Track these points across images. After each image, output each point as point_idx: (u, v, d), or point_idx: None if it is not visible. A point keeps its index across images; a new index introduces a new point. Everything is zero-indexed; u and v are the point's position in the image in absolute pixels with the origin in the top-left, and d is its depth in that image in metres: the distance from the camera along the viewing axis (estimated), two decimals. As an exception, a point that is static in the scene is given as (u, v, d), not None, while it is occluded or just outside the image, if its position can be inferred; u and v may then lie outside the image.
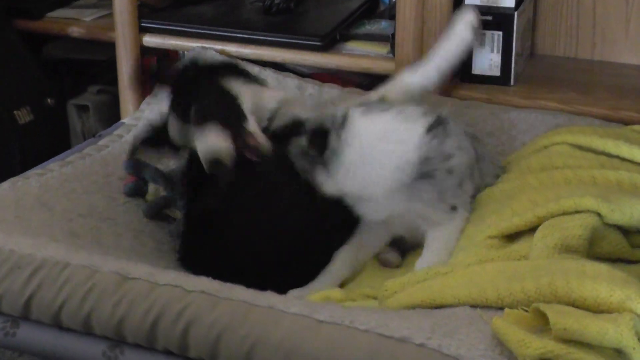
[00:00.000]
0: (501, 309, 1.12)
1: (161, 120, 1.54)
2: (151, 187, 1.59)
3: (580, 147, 1.49)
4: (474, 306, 1.14)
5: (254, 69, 1.83)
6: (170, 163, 1.64)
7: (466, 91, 1.85)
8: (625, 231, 1.26)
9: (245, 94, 1.48)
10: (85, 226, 1.48)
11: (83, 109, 2.24)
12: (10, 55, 2.15)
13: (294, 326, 1.12)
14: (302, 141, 1.39)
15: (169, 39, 2.03)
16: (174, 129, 1.49)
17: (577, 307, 1.07)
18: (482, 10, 1.84)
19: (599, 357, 1.00)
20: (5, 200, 1.46)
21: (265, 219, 1.41)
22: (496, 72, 1.87)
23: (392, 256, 1.49)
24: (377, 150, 1.37)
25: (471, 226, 1.41)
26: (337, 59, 1.90)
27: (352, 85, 1.92)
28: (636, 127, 1.58)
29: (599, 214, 1.23)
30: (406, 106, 1.44)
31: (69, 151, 1.71)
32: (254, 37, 1.96)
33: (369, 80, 1.93)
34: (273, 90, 1.60)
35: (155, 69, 1.94)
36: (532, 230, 1.27)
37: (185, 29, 2.01)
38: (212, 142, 1.40)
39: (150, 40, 2.04)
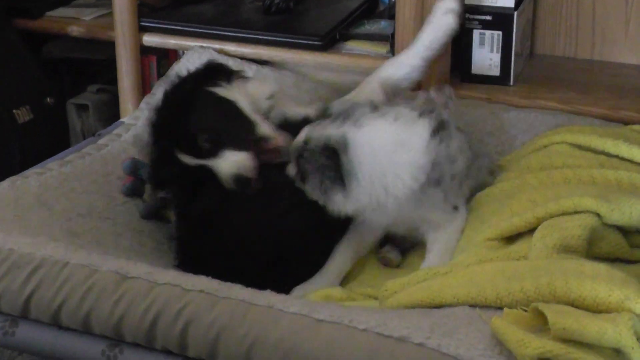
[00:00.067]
0: (500, 308, 1.12)
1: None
2: (148, 188, 1.58)
3: (580, 147, 1.49)
4: (473, 306, 1.14)
5: (236, 63, 1.84)
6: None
7: (465, 91, 1.85)
8: (624, 231, 1.26)
9: (239, 97, 1.48)
10: (84, 226, 1.48)
11: (82, 108, 2.24)
12: (9, 54, 2.15)
13: (293, 325, 1.12)
14: (307, 166, 1.38)
15: (169, 38, 2.02)
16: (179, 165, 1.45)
17: (576, 306, 1.07)
18: (482, 10, 1.84)
19: (597, 357, 1.00)
20: (5, 200, 1.46)
21: (264, 219, 1.41)
22: (496, 71, 1.87)
23: (393, 255, 1.49)
24: (390, 162, 1.36)
25: (471, 227, 1.41)
26: (336, 58, 1.90)
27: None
28: (636, 126, 1.58)
29: (598, 214, 1.23)
30: (397, 107, 1.42)
31: (68, 150, 1.70)
32: (254, 36, 1.96)
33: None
34: (258, 84, 1.58)
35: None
36: (531, 230, 1.27)
37: (184, 28, 2.01)
38: (232, 164, 1.40)
39: (149, 39, 2.04)
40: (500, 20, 1.84)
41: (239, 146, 1.41)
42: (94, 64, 2.30)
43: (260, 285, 1.21)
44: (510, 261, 1.24)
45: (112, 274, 1.22)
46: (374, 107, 1.41)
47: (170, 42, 2.03)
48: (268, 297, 1.17)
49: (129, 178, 1.59)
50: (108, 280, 1.21)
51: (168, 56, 2.15)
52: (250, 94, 1.50)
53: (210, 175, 1.42)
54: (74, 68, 2.32)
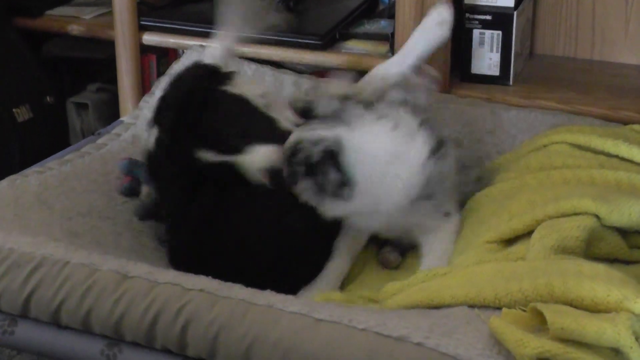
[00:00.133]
0: (499, 309, 1.12)
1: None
2: (145, 188, 1.58)
3: (580, 147, 1.48)
4: (472, 306, 1.14)
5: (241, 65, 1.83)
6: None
7: (465, 90, 1.85)
8: (623, 232, 1.26)
9: (252, 95, 1.47)
10: (84, 225, 1.48)
11: (82, 107, 2.25)
12: (9, 53, 2.15)
13: (293, 325, 1.12)
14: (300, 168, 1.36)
15: (169, 37, 2.03)
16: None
17: (575, 306, 1.07)
18: (482, 9, 1.84)
19: (596, 357, 1.00)
20: (5, 199, 1.46)
21: (265, 219, 1.41)
22: (495, 71, 1.87)
23: (393, 256, 1.49)
24: (383, 173, 1.34)
25: (469, 228, 1.41)
26: (336, 58, 1.90)
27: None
28: (636, 126, 1.58)
29: (597, 216, 1.23)
30: (396, 111, 1.41)
31: (67, 149, 1.70)
32: (254, 35, 1.96)
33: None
34: (250, 83, 1.57)
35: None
36: (530, 232, 1.27)
37: (184, 27, 2.01)
38: (263, 158, 1.37)
39: (149, 38, 2.04)
40: (500, 20, 1.84)
41: (265, 141, 1.39)
42: (93, 63, 2.30)
43: (261, 287, 1.20)
44: (509, 262, 1.24)
45: (113, 273, 1.22)
46: (368, 106, 1.40)
47: (170, 41, 2.03)
48: (268, 297, 1.17)
49: (127, 178, 1.59)
50: (108, 280, 1.21)
51: (168, 55, 2.15)
52: (244, 92, 1.49)
53: (229, 173, 1.40)
54: (74, 67, 2.32)
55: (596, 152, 1.47)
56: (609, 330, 1.00)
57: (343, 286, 1.44)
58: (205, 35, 1.98)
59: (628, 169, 1.40)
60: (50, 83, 2.20)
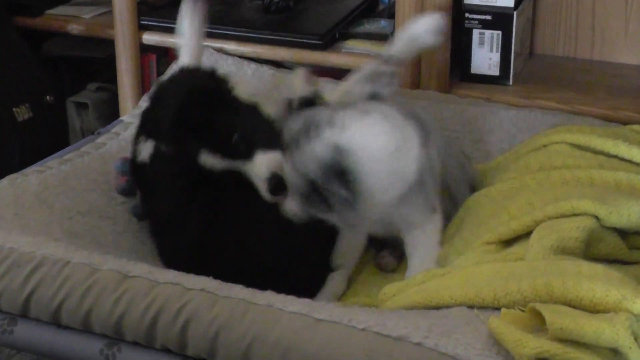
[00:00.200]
0: (498, 309, 1.12)
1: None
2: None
3: (579, 147, 1.48)
4: (470, 307, 1.14)
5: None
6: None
7: (465, 90, 1.85)
8: (622, 233, 1.26)
9: (258, 100, 1.45)
10: (85, 225, 1.48)
11: (82, 106, 2.25)
12: (9, 52, 2.15)
13: (292, 324, 1.12)
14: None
15: (168, 37, 2.02)
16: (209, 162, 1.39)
17: (574, 307, 1.07)
18: (482, 9, 1.84)
19: (595, 357, 1.00)
20: (5, 198, 1.46)
21: (265, 221, 1.40)
22: (495, 71, 1.87)
23: (389, 260, 1.49)
24: (386, 168, 1.32)
25: (468, 229, 1.40)
26: (336, 57, 1.90)
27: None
28: (635, 126, 1.58)
29: (596, 217, 1.23)
30: (379, 107, 1.40)
31: (67, 149, 1.70)
32: (253, 35, 1.96)
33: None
34: (240, 83, 1.53)
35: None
36: (529, 234, 1.26)
37: (184, 27, 2.01)
38: (268, 163, 1.35)
39: (149, 38, 2.04)
40: (499, 19, 1.84)
41: (271, 147, 1.36)
42: (93, 62, 2.30)
43: (262, 288, 1.20)
44: (507, 262, 1.24)
45: (113, 273, 1.22)
46: (356, 106, 1.39)
47: (170, 40, 2.03)
48: (268, 297, 1.17)
49: (123, 178, 1.58)
50: (109, 279, 1.21)
51: (168, 55, 2.15)
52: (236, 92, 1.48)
53: (233, 178, 1.37)
54: (74, 66, 2.32)
55: (596, 152, 1.47)
56: (607, 331, 1.00)
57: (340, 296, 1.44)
58: (206, 35, 1.98)
59: (627, 170, 1.40)
60: (50, 82, 2.21)
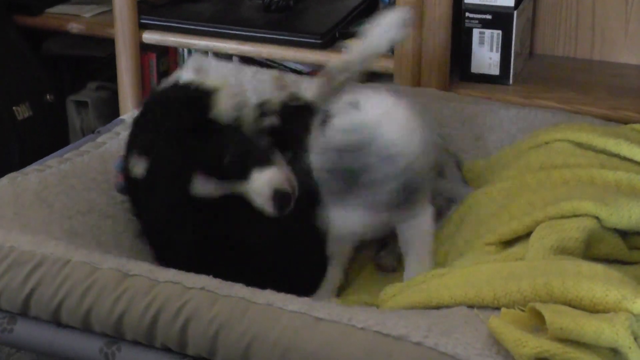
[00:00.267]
0: (498, 309, 1.12)
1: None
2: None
3: (581, 145, 1.48)
4: (470, 306, 1.14)
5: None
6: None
7: (465, 90, 1.85)
8: (622, 233, 1.26)
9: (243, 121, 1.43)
10: (85, 224, 1.48)
11: (82, 105, 2.25)
12: (9, 51, 2.15)
13: (292, 323, 1.12)
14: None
15: (169, 36, 2.03)
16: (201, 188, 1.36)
17: (574, 307, 1.07)
18: (482, 9, 1.84)
19: (595, 357, 1.00)
20: (5, 197, 1.46)
21: (264, 221, 1.40)
22: (495, 71, 1.87)
23: (389, 260, 1.49)
24: (404, 147, 1.31)
25: (469, 229, 1.40)
26: (336, 57, 1.89)
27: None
28: (636, 125, 1.58)
29: (597, 217, 1.23)
30: (373, 92, 1.38)
31: (67, 147, 1.70)
32: (253, 34, 1.96)
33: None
34: (225, 95, 1.48)
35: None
36: (529, 233, 1.26)
37: (184, 26, 2.01)
38: (267, 181, 1.32)
39: (149, 37, 2.04)
40: (500, 19, 1.84)
41: (264, 164, 1.34)
42: (93, 61, 2.30)
43: (261, 288, 1.20)
44: (507, 262, 1.24)
45: (113, 271, 1.22)
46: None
47: (170, 39, 2.03)
48: (268, 296, 1.17)
49: (122, 176, 1.58)
50: (109, 278, 1.21)
51: (168, 54, 2.15)
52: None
53: (233, 202, 1.35)
54: (74, 65, 2.32)
55: (597, 150, 1.47)
56: (607, 331, 1.00)
57: (340, 291, 1.44)
58: (206, 34, 1.98)
59: (628, 169, 1.40)
60: (50, 81, 2.21)
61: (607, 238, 1.25)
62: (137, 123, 1.47)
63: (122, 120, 1.82)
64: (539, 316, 1.05)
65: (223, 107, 1.41)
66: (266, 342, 1.11)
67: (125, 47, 2.04)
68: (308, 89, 1.59)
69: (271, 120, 1.47)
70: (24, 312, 1.24)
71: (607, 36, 2.00)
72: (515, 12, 1.84)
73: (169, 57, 2.14)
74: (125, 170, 1.46)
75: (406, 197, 1.33)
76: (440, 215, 1.46)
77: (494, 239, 1.31)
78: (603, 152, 1.46)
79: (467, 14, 1.85)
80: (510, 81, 1.88)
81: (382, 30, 1.53)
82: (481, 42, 1.86)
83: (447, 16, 1.83)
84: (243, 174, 1.34)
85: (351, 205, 1.32)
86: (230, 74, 1.77)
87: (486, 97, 1.81)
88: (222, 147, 1.35)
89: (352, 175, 1.29)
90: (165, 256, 1.41)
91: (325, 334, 1.10)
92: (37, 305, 1.23)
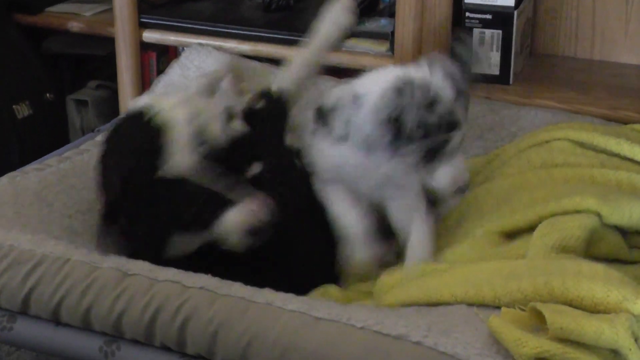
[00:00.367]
0: (498, 307, 1.12)
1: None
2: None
3: (582, 144, 1.48)
4: (470, 305, 1.14)
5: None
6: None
7: (465, 89, 1.85)
8: (623, 232, 1.26)
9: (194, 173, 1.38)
10: (84, 223, 1.48)
11: (82, 104, 2.24)
12: (9, 49, 2.15)
13: (292, 323, 1.12)
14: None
15: (169, 35, 2.03)
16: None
17: (574, 306, 1.06)
18: (482, 8, 1.84)
19: (594, 357, 1.00)
20: (4, 196, 1.46)
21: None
22: (495, 70, 1.87)
23: (387, 257, 1.49)
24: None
25: (469, 220, 1.40)
26: (336, 56, 1.89)
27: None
28: (636, 126, 1.58)
29: (599, 215, 1.23)
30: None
31: (66, 146, 1.70)
32: (253, 33, 1.96)
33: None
34: (178, 107, 1.44)
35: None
36: (531, 229, 1.27)
37: (184, 25, 2.01)
38: (232, 224, 1.29)
39: (149, 35, 2.04)
40: (500, 19, 1.84)
41: (225, 205, 1.30)
42: (93, 59, 2.30)
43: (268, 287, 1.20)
44: (508, 260, 1.24)
45: (113, 271, 1.22)
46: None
47: (170, 38, 2.03)
48: (267, 295, 1.17)
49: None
50: (108, 277, 1.21)
51: (168, 52, 2.15)
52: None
53: (213, 249, 1.32)
54: (74, 64, 2.32)
55: (597, 150, 1.47)
56: (607, 331, 1.00)
57: (340, 281, 1.44)
58: (206, 33, 1.98)
59: (629, 169, 1.40)
60: (50, 80, 2.20)
61: (608, 236, 1.25)
62: (102, 161, 1.42)
63: (122, 119, 1.82)
64: (539, 316, 1.05)
65: (179, 140, 1.38)
66: (266, 341, 1.11)
67: (125, 46, 2.04)
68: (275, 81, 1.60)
69: (235, 131, 1.46)
70: (24, 310, 1.24)
71: (607, 36, 2.00)
72: (515, 12, 1.84)
73: (169, 56, 2.14)
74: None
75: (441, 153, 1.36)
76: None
77: (496, 228, 1.31)
78: (604, 151, 1.46)
79: (467, 14, 1.85)
80: (511, 81, 1.88)
81: (331, 20, 1.57)
82: (481, 42, 1.86)
83: (447, 16, 1.83)
84: (209, 224, 1.30)
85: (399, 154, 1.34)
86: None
87: (486, 97, 1.81)
88: (179, 205, 1.31)
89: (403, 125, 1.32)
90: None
91: (324, 333, 1.10)
92: (37, 304, 1.23)
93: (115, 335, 1.20)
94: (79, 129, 2.25)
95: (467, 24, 1.85)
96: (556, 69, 1.99)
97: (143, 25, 2.04)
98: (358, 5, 2.02)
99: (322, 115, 1.43)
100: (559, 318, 1.02)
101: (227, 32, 1.97)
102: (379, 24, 1.97)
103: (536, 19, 2.04)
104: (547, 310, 1.03)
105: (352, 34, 1.94)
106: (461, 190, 1.36)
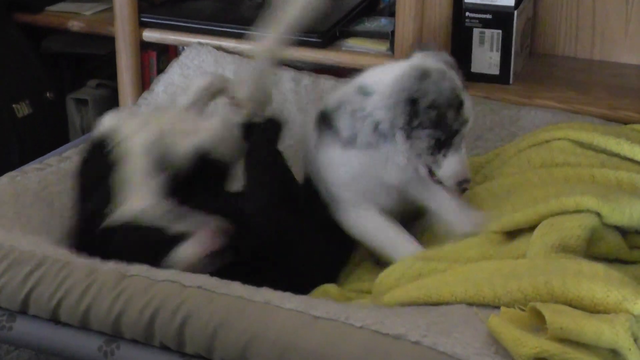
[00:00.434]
0: (498, 307, 1.12)
1: None
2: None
3: (582, 144, 1.48)
4: (470, 304, 1.14)
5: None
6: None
7: (465, 89, 1.85)
8: (623, 232, 1.26)
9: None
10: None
11: (82, 103, 2.24)
12: (9, 49, 2.15)
13: (290, 322, 1.12)
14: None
15: (169, 34, 2.03)
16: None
17: (574, 306, 1.06)
18: (482, 8, 1.84)
19: (594, 357, 1.00)
20: (5, 196, 1.46)
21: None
22: (495, 70, 1.87)
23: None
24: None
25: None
26: (336, 55, 1.90)
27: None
28: (636, 126, 1.58)
29: (599, 214, 1.23)
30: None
31: (66, 146, 1.70)
32: (253, 33, 1.96)
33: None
34: (140, 132, 1.44)
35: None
36: (532, 227, 1.27)
37: (184, 24, 2.01)
38: (185, 259, 1.30)
39: (149, 35, 2.04)
40: (500, 19, 1.84)
41: (181, 239, 1.30)
42: (93, 59, 2.30)
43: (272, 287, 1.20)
44: (508, 260, 1.24)
45: (112, 271, 1.22)
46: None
47: (170, 37, 2.03)
48: (265, 294, 1.17)
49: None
50: (107, 278, 1.21)
51: (168, 52, 2.15)
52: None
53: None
54: (74, 63, 2.32)
55: (597, 150, 1.47)
56: (607, 332, 1.00)
57: (339, 281, 1.44)
58: (205, 33, 1.98)
59: (629, 169, 1.40)
60: (50, 79, 2.20)
61: (608, 236, 1.25)
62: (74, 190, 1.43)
63: (122, 119, 1.82)
64: (539, 316, 1.05)
65: (135, 176, 1.38)
66: (264, 340, 1.11)
67: (125, 45, 2.03)
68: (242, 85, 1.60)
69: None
70: (24, 310, 1.24)
71: (607, 36, 2.00)
72: (515, 12, 1.84)
73: (169, 55, 2.14)
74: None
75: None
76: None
77: (497, 228, 1.30)
78: (604, 151, 1.46)
79: (467, 14, 1.85)
80: (511, 81, 1.88)
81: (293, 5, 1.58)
82: (481, 42, 1.86)
83: (447, 16, 1.83)
84: (162, 263, 1.30)
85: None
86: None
87: (486, 96, 1.81)
88: (130, 253, 1.30)
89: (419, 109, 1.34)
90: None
91: (323, 332, 1.10)
92: (37, 304, 1.23)
93: (114, 335, 1.20)
94: (79, 128, 2.25)
95: (467, 24, 1.85)
96: (556, 69, 1.99)
97: (143, 25, 2.04)
98: (358, 5, 2.03)
99: (326, 118, 1.43)
100: (559, 318, 1.02)
101: (227, 31, 1.97)
102: (379, 23, 1.97)
103: (536, 19, 2.04)
104: (546, 310, 1.03)
105: (352, 33, 1.94)
106: (464, 183, 1.37)
